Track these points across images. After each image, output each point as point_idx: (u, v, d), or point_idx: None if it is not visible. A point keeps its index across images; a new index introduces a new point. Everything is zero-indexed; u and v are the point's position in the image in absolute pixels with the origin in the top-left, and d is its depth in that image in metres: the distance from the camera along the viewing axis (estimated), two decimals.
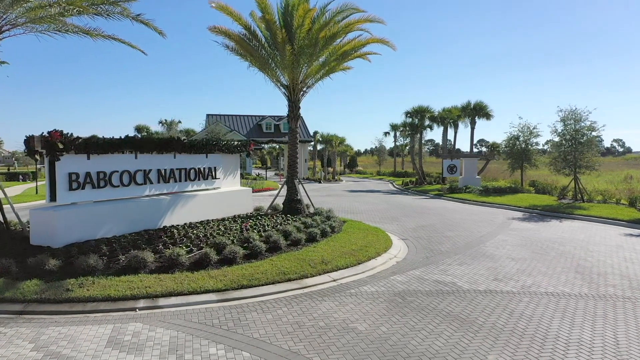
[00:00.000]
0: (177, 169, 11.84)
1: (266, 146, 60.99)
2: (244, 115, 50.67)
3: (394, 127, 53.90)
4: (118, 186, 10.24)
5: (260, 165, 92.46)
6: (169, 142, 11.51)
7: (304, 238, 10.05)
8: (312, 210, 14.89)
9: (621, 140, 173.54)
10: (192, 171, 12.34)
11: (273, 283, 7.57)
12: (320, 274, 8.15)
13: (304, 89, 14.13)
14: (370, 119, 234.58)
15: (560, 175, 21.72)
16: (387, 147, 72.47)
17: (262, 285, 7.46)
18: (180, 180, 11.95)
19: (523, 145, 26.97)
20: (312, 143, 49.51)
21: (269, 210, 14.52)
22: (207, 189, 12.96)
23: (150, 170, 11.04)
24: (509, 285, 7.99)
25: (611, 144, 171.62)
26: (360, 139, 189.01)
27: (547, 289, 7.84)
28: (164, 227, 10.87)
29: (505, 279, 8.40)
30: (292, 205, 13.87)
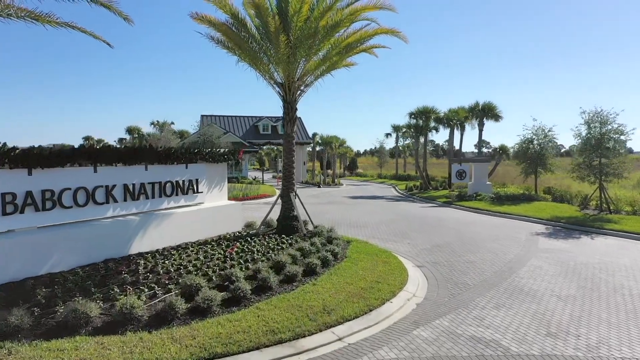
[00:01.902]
0: (149, 183, 9.89)
1: (264, 147, 58.96)
2: (240, 116, 48.71)
3: (396, 128, 52.02)
4: (71, 207, 8.27)
5: (258, 167, 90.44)
6: (137, 151, 9.56)
7: (300, 272, 8.10)
8: (310, 227, 12.95)
9: (622, 141, 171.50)
10: (168, 185, 10.39)
11: (258, 348, 5.62)
12: (321, 330, 6.21)
13: (302, 87, 12.17)
14: (370, 118, 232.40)
15: (584, 182, 19.75)
16: (388, 148, 70.78)
17: (243, 352, 5.51)
18: (153, 197, 10.00)
19: (537, 149, 25.07)
20: (311, 144, 47.54)
21: (262, 227, 12.58)
22: (188, 205, 11.02)
23: (114, 186, 9.08)
24: (569, 345, 6.06)
25: (612, 145, 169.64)
26: (360, 138, 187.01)
27: (621, 351, 5.91)
28: (130, 256, 8.91)
29: (561, 333, 6.46)
30: (288, 222, 11.91)
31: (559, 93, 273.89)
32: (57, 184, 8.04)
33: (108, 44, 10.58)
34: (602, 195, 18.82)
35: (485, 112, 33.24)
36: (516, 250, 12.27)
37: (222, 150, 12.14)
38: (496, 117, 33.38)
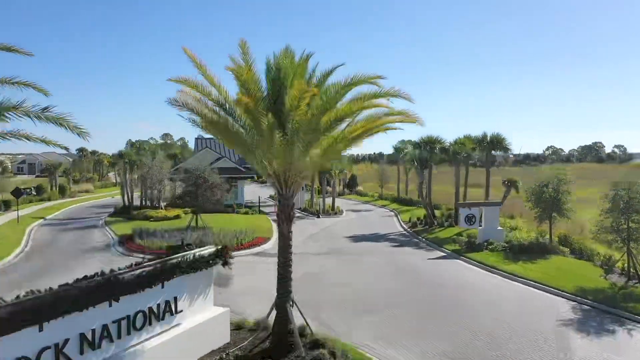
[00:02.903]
0: (114, 321, 8.14)
1: None
2: None
3: (398, 150, 50.29)
4: None
5: (256, 179, 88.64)
6: (101, 287, 7.80)
7: None
8: (308, 332, 11.22)
9: (622, 145, 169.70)
10: (139, 316, 8.65)
11: None
12: None
13: (299, 180, 10.46)
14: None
15: (612, 248, 18.13)
16: (386, 153, 69.47)
17: None
18: (119, 337, 8.25)
19: (553, 194, 23.41)
20: None
21: (258, 334, 10.92)
22: (165, 331, 9.28)
23: (66, 340, 7.33)
24: None
25: (612, 150, 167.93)
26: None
27: None
28: None
29: None
30: (284, 340, 10.19)
31: (558, 89, 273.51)
32: None
33: (45, 93, 9.47)
34: (631, 261, 17.15)
35: (494, 144, 31.59)
36: (551, 354, 10.64)
37: (205, 252, 10.39)
38: (505, 149, 31.81)
